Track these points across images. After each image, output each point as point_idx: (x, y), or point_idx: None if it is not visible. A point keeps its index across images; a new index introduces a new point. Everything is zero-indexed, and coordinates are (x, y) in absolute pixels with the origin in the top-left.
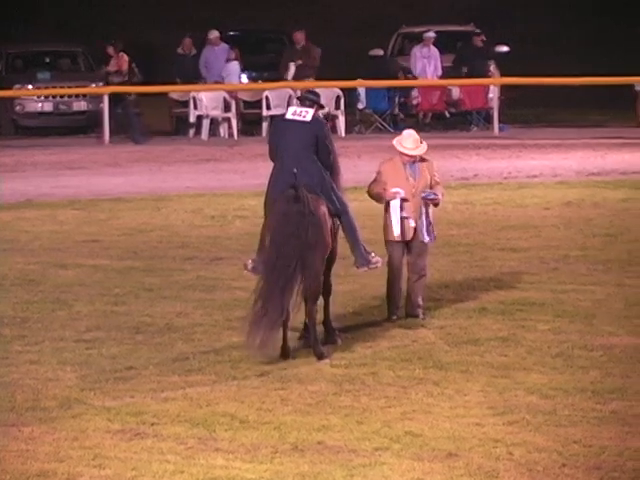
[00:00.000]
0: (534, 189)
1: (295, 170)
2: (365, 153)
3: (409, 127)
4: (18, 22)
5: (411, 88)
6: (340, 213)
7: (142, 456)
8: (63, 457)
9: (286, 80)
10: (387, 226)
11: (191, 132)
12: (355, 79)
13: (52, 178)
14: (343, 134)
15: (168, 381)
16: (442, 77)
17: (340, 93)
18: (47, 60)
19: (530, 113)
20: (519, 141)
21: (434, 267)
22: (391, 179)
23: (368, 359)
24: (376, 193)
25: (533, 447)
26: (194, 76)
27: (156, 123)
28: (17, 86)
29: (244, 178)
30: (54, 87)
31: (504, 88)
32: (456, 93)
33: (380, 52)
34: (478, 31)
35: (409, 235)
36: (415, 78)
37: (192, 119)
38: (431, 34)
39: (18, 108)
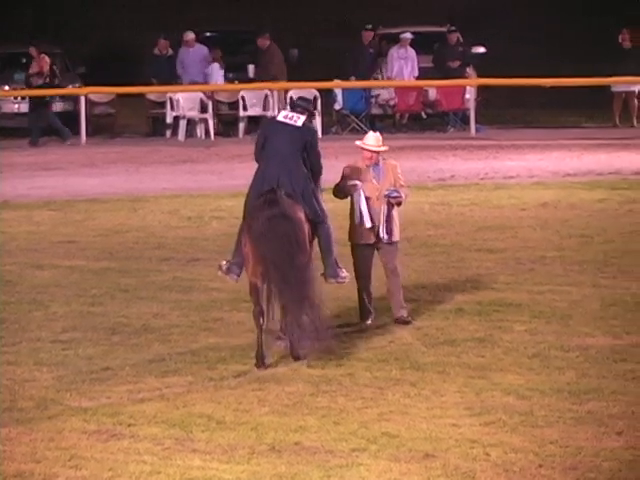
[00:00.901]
0: (510, 190)
1: (279, 174)
2: (342, 154)
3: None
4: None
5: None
6: (319, 221)
7: (119, 457)
8: (40, 458)
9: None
10: (353, 228)
11: (168, 133)
12: (332, 80)
13: (28, 179)
14: (320, 135)
15: (144, 382)
16: (419, 78)
17: (317, 94)
18: (24, 61)
19: (507, 114)
20: (496, 142)
21: (411, 268)
22: (356, 180)
23: (345, 360)
24: (337, 188)
25: (510, 448)
26: (170, 77)
27: (133, 124)
28: None
29: (221, 179)
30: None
31: (481, 89)
32: (433, 94)
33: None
34: (453, 29)
35: (373, 238)
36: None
37: (169, 120)
38: (407, 35)
39: None
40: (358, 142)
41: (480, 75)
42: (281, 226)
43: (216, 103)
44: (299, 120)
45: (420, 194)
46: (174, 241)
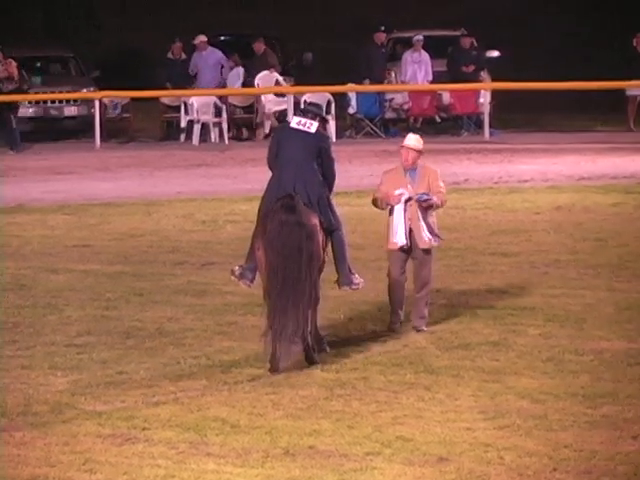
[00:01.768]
0: (525, 194)
1: (295, 181)
2: (356, 158)
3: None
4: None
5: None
6: (333, 229)
7: (133, 461)
8: (54, 462)
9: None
10: (389, 235)
11: (182, 137)
12: (346, 84)
13: (43, 183)
14: (334, 139)
15: (159, 386)
16: (433, 82)
17: (331, 98)
18: (38, 65)
19: (521, 118)
20: (510, 146)
21: None
22: (392, 186)
23: (359, 364)
24: (375, 198)
25: (524, 451)
26: (184, 81)
27: (147, 128)
28: None
29: (235, 183)
30: (45, 92)
31: (495, 93)
32: (447, 98)
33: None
34: (466, 33)
35: (407, 242)
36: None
37: (183, 124)
38: (419, 37)
39: None
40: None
41: (494, 79)
42: (293, 234)
43: (230, 107)
44: (312, 126)
45: None
46: (188, 245)
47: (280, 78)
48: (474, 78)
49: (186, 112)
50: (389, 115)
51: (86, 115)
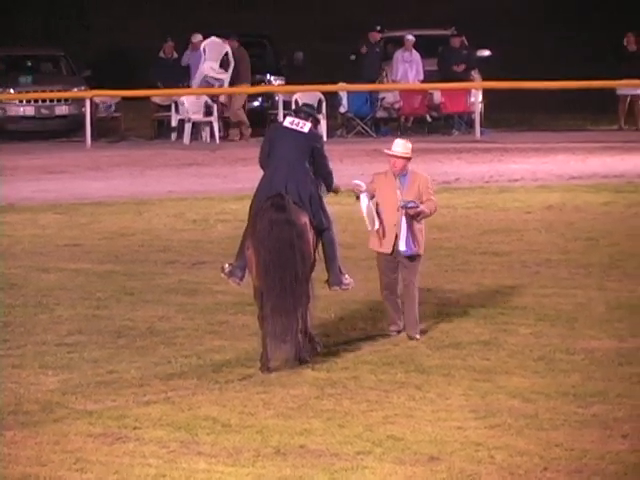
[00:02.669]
0: (515, 193)
1: (287, 180)
2: (347, 157)
3: (390, 131)
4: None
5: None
6: (323, 228)
7: (124, 460)
8: (45, 461)
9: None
10: (370, 235)
11: (173, 136)
12: (337, 83)
13: (33, 182)
14: (325, 138)
15: (150, 385)
16: (424, 81)
17: (322, 97)
18: (29, 64)
19: (512, 117)
20: (500, 145)
21: None
22: (382, 189)
23: (350, 363)
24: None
25: (515, 451)
26: (175, 80)
27: (137, 127)
28: None
29: (226, 182)
30: (36, 91)
31: (486, 92)
32: (437, 97)
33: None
34: (456, 32)
35: (389, 247)
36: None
37: (174, 123)
38: (410, 37)
39: (0, 112)
40: (386, 150)
41: (485, 78)
42: (284, 232)
43: (221, 106)
44: (305, 126)
45: None
46: (179, 244)
47: (230, 54)
48: (465, 77)
49: (177, 111)
50: (380, 114)
51: (77, 114)
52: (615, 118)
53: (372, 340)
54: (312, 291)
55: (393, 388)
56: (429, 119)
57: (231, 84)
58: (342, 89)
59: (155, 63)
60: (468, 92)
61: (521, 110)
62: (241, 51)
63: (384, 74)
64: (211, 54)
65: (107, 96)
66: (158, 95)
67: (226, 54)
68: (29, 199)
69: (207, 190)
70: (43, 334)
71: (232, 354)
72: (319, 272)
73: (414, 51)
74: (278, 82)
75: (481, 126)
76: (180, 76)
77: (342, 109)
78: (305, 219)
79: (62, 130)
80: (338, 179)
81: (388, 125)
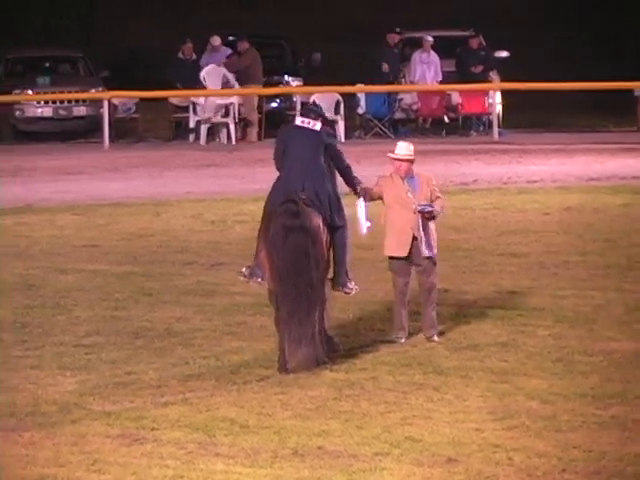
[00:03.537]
0: (534, 194)
1: (303, 180)
2: (365, 158)
3: (408, 132)
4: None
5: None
6: (337, 228)
7: (142, 461)
8: (63, 462)
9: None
10: (387, 242)
11: (191, 137)
12: (355, 84)
13: (51, 183)
14: (343, 139)
15: (168, 386)
16: (442, 82)
17: (340, 98)
18: (47, 65)
19: (530, 118)
20: (519, 146)
21: None
22: (391, 193)
23: (368, 364)
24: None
25: (533, 452)
26: (194, 81)
27: (155, 128)
28: (17, 91)
29: (243, 183)
30: (54, 92)
31: (504, 93)
32: (455, 98)
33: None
34: (474, 33)
35: (405, 251)
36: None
37: (192, 124)
38: (429, 38)
39: (18, 113)
40: (390, 154)
41: (503, 79)
42: (299, 239)
43: (238, 107)
44: (316, 125)
45: None
46: (197, 245)
47: (230, 76)
48: (483, 78)
49: (195, 112)
50: (398, 115)
51: (95, 115)
52: (634, 119)
53: (390, 341)
54: (328, 292)
55: (411, 389)
56: (447, 120)
57: (241, 86)
58: (360, 90)
59: (173, 64)
60: (486, 93)
61: (539, 111)
62: (251, 52)
63: (402, 75)
64: (211, 80)
65: (124, 97)
66: (175, 96)
67: (226, 79)
68: (47, 200)
69: (225, 191)
70: (61, 335)
71: (250, 355)
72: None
73: (432, 52)
74: (296, 83)
75: (499, 127)
76: (198, 77)
77: (360, 110)
78: (319, 220)
79: (80, 131)
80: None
81: (406, 126)
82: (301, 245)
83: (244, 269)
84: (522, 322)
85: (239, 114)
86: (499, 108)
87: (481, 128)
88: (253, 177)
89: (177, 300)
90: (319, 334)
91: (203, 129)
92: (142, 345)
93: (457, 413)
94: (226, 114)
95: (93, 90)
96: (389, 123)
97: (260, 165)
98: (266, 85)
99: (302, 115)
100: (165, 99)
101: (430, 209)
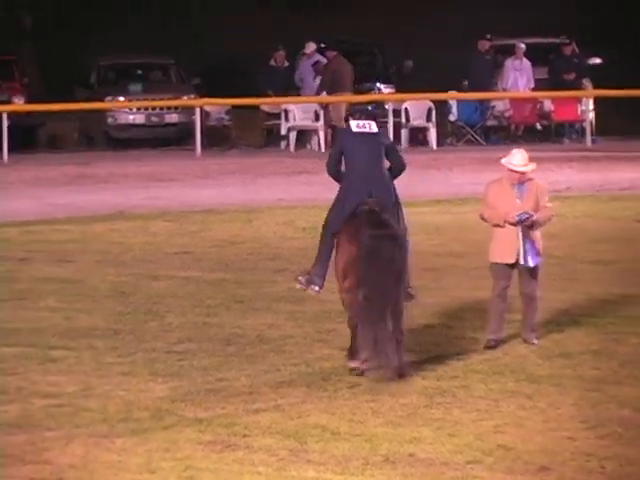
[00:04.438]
0: (626, 202)
1: (370, 187)
2: (457, 165)
3: (500, 140)
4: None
5: None
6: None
7: (233, 468)
8: (154, 468)
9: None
10: (494, 248)
11: (282, 144)
12: (447, 91)
13: (144, 190)
14: (435, 146)
15: (259, 393)
16: (534, 89)
17: (431, 105)
18: (139, 72)
19: (624, 125)
20: (612, 153)
21: None
22: (499, 201)
23: (459, 372)
24: (483, 216)
25: (625, 460)
26: (285, 88)
27: (246, 135)
28: (109, 98)
29: (335, 191)
30: (146, 99)
31: (597, 100)
32: (548, 105)
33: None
34: (567, 41)
35: (512, 258)
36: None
37: (284, 131)
38: (521, 45)
39: (110, 120)
40: (503, 160)
41: (596, 86)
42: (390, 249)
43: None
44: (372, 126)
45: None
46: (289, 252)
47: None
48: (576, 85)
49: (286, 119)
50: (490, 123)
51: (186, 122)
52: None
53: (482, 349)
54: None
55: (503, 397)
56: (539, 127)
57: (329, 94)
58: (452, 97)
59: (265, 71)
60: (579, 100)
61: (633, 118)
62: (338, 60)
63: (494, 82)
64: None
65: (216, 104)
66: (267, 103)
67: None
68: (139, 206)
69: (317, 198)
70: (153, 341)
71: (341, 362)
72: (427, 280)
73: (525, 59)
74: (388, 90)
75: (592, 134)
76: (290, 84)
77: (452, 117)
78: (398, 226)
79: (172, 138)
80: (448, 188)
81: (498, 133)
82: (391, 254)
83: (300, 277)
84: (614, 330)
85: (330, 121)
86: (592, 115)
87: (574, 135)
88: None
89: (268, 307)
90: (400, 342)
91: (292, 136)
92: (234, 352)
93: (549, 421)
94: (316, 119)
95: (185, 97)
96: (481, 130)
97: None
98: (357, 92)
99: (355, 118)
100: (256, 106)
101: (526, 216)
